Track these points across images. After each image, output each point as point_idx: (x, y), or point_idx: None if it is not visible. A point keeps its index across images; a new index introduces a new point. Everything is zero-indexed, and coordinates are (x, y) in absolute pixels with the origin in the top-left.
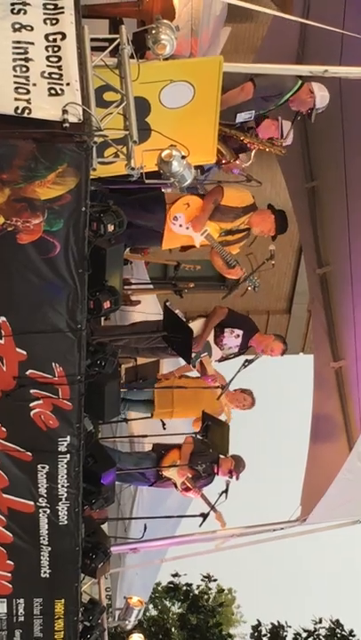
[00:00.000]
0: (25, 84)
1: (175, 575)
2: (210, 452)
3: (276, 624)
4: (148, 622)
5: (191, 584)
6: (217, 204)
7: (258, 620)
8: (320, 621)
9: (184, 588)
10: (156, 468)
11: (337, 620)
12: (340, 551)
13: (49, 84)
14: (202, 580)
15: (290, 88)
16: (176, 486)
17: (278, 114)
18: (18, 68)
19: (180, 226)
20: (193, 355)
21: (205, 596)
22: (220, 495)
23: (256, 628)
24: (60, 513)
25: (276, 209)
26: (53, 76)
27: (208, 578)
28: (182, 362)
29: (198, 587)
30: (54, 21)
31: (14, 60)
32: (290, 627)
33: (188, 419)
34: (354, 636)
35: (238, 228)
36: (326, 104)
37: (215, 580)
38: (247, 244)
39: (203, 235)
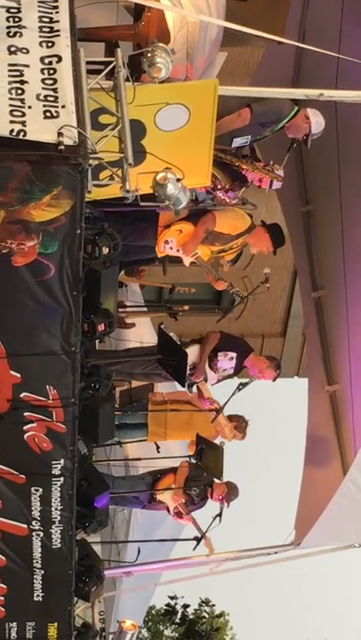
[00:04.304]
0: (20, 106)
1: (173, 598)
2: (204, 477)
3: None
4: None
5: (188, 605)
6: (208, 232)
7: None
8: None
9: (181, 610)
10: (150, 492)
11: None
12: (337, 574)
13: (44, 106)
14: (200, 604)
15: (286, 114)
16: (168, 510)
17: (275, 139)
18: (13, 91)
19: (171, 249)
20: (189, 382)
21: (202, 621)
22: (214, 519)
23: None
24: (53, 536)
25: (268, 225)
26: (49, 98)
27: (206, 603)
28: (177, 385)
29: (195, 610)
30: (50, 44)
31: (10, 82)
32: None
33: (183, 442)
34: None
35: (231, 247)
36: (322, 130)
37: (213, 605)
38: (242, 266)
39: (193, 257)
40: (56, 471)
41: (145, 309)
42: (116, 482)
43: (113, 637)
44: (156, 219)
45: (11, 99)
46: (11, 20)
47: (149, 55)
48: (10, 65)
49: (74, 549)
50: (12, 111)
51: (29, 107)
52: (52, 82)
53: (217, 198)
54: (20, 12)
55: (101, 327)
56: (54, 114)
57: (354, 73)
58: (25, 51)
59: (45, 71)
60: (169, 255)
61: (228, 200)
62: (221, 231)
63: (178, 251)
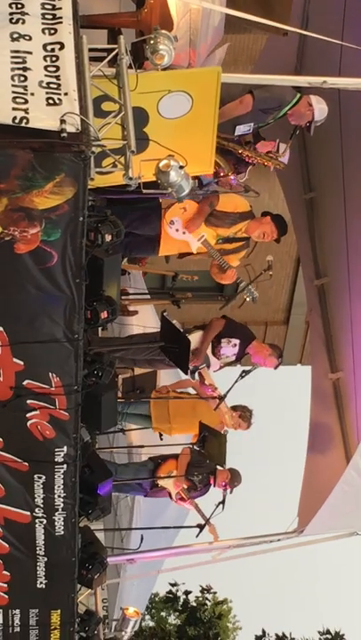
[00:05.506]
0: (23, 93)
1: (174, 585)
2: (207, 464)
3: (281, 635)
4: (148, 632)
5: (190, 592)
6: (213, 207)
7: (263, 630)
8: (327, 632)
9: (182, 597)
10: (152, 479)
11: (337, 632)
12: (342, 561)
13: (47, 93)
14: (200, 592)
15: (289, 101)
16: (171, 496)
17: (278, 127)
18: (16, 78)
19: (177, 230)
20: (191, 367)
21: (203, 608)
22: (217, 506)
23: (260, 638)
24: (56, 523)
25: (271, 214)
26: (51, 85)
27: (207, 590)
28: (181, 373)
29: (197, 598)
30: (53, 31)
31: (12, 69)
32: (293, 639)
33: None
34: None
35: (236, 235)
36: (325, 117)
37: (215, 593)
38: (246, 254)
39: (200, 240)
40: (59, 458)
41: (148, 297)
42: (119, 469)
43: (116, 624)
44: (160, 207)
45: (13, 85)
46: (13, 6)
47: (152, 42)
48: (12, 51)
49: (77, 536)
50: (14, 98)
51: (32, 94)
52: (54, 69)
53: (220, 182)
54: None
55: (104, 314)
56: (57, 101)
57: (357, 60)
58: (27, 37)
59: (48, 58)
60: (171, 254)
61: (231, 186)
62: (224, 209)
63: (184, 233)
